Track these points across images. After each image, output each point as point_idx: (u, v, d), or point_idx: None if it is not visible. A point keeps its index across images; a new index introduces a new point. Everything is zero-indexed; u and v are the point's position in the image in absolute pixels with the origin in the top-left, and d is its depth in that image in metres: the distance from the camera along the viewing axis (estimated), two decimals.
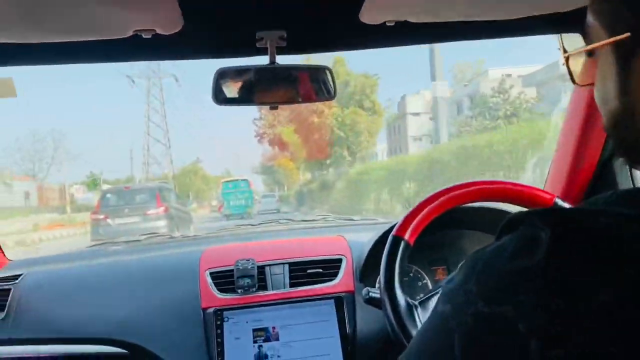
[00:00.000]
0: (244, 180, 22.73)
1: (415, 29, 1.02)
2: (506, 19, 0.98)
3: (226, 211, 20.62)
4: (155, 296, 1.31)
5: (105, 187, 20.97)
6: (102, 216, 10.71)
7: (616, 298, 0.35)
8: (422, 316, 0.98)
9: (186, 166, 38.71)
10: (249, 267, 1.26)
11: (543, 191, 1.10)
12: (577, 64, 0.54)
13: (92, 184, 30.77)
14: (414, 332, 0.95)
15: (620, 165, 1.28)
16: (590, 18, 0.49)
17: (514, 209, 1.27)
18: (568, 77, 0.56)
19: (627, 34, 0.43)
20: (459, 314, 0.40)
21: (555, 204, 1.08)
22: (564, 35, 1.06)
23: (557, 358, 0.35)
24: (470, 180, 1.10)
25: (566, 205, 1.08)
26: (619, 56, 0.45)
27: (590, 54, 0.51)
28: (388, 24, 1.01)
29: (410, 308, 0.98)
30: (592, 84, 0.52)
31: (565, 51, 0.55)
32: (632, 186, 1.28)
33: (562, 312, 0.35)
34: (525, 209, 0.45)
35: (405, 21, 1.00)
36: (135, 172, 33.43)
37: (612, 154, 1.28)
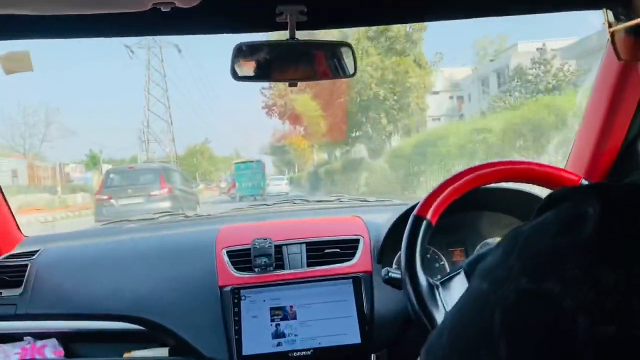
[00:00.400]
0: (256, 161, 22.05)
1: (444, 3, 0.99)
2: None
3: (238, 192, 20.16)
4: (172, 274, 1.30)
5: (106, 167, 20.35)
6: (105, 196, 10.54)
7: None
8: (443, 296, 0.97)
9: (192, 146, 37.27)
10: (266, 246, 1.26)
11: (569, 172, 1.08)
12: (623, 39, 0.52)
13: (92, 162, 29.57)
14: (435, 312, 0.94)
15: None
16: None
17: (533, 190, 1.25)
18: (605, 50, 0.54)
19: None
20: (500, 290, 0.39)
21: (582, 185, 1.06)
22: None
23: (607, 335, 0.33)
24: (493, 160, 1.08)
25: None
26: None
27: (636, 29, 0.49)
28: None
29: (431, 288, 0.97)
30: (637, 60, 0.51)
31: (610, 26, 0.53)
32: None
33: (613, 288, 0.34)
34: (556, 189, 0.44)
35: None
36: (138, 152, 32.03)
37: (636, 136, 1.25)
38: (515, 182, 1.11)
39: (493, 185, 1.16)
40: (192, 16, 1.04)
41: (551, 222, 0.39)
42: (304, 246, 1.30)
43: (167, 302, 1.25)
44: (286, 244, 1.30)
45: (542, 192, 1.19)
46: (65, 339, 1.31)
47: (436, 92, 25.27)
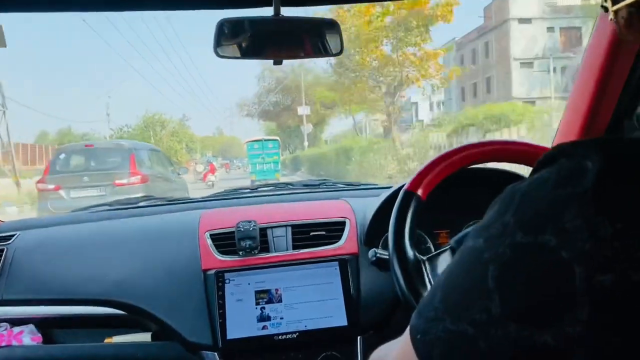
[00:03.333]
0: (273, 139, 19.12)
1: None
2: None
3: (252, 176, 17.51)
4: (154, 257, 1.28)
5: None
6: (51, 186, 7.83)
7: None
8: (430, 272, 0.96)
9: (149, 116, 29.53)
10: (251, 228, 1.23)
11: None
12: (626, 18, 0.51)
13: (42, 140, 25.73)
14: (420, 288, 0.93)
15: (630, 129, 1.26)
16: None
17: (523, 170, 1.24)
18: None
19: None
20: (494, 245, 0.39)
21: None
22: None
23: (605, 284, 0.33)
24: (489, 139, 1.07)
25: None
26: None
27: (636, 7, 0.49)
28: None
29: (418, 263, 0.96)
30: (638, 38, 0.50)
31: (613, 4, 0.52)
32: None
33: (612, 237, 0.34)
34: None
35: None
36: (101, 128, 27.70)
37: (624, 115, 1.25)
38: (508, 162, 1.10)
39: (482, 166, 1.15)
40: None
41: (549, 177, 0.39)
42: (289, 229, 1.28)
43: (150, 287, 1.22)
44: (271, 227, 1.28)
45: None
46: (43, 324, 1.28)
47: (526, 21, 19.19)
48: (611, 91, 1.19)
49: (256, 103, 31.53)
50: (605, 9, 0.53)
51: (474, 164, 1.06)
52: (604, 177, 0.36)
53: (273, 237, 1.26)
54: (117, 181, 7.80)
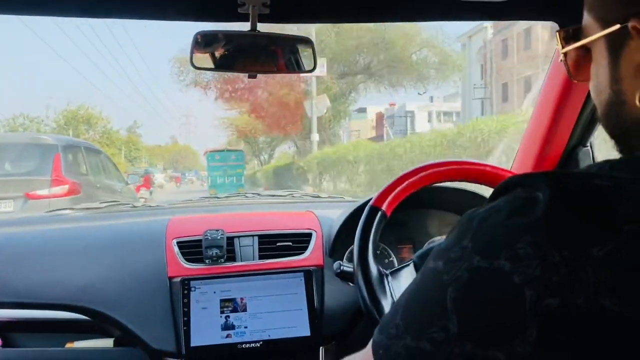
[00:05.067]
0: (237, 151, 17.83)
1: (402, 4, 1.01)
2: (491, 0, 0.99)
3: (211, 190, 15.46)
4: (119, 263, 1.27)
5: None
6: None
7: (613, 252, 0.36)
8: (392, 286, 1.00)
9: (73, 109, 23.65)
10: (218, 237, 1.25)
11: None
12: (573, 60, 0.56)
13: None
14: (383, 301, 0.97)
15: (583, 156, 1.33)
16: (585, 14, 0.51)
17: (481, 190, 1.30)
18: None
19: (617, 26, 0.46)
20: (453, 269, 0.41)
21: None
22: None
23: (552, 307, 0.36)
24: (451, 159, 1.12)
25: None
26: (610, 48, 0.48)
27: (585, 49, 0.53)
28: None
29: (381, 277, 1.00)
30: (586, 79, 0.54)
31: (562, 47, 0.56)
32: None
33: (559, 264, 0.37)
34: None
35: None
36: None
37: (577, 144, 1.32)
38: (469, 182, 1.15)
39: (443, 185, 1.21)
40: (151, 1, 1.02)
41: (504, 206, 0.42)
42: (256, 239, 1.30)
43: (114, 292, 1.22)
44: (238, 236, 1.29)
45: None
46: (3, 328, 1.26)
47: None
48: (566, 120, 1.26)
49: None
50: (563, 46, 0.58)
51: (437, 183, 1.11)
52: (553, 208, 0.39)
53: (240, 247, 1.28)
54: (32, 192, 5.41)
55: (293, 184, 16.15)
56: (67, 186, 5.53)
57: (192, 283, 1.20)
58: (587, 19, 0.51)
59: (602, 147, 1.33)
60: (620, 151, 0.53)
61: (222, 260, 1.24)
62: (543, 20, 1.13)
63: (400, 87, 20.16)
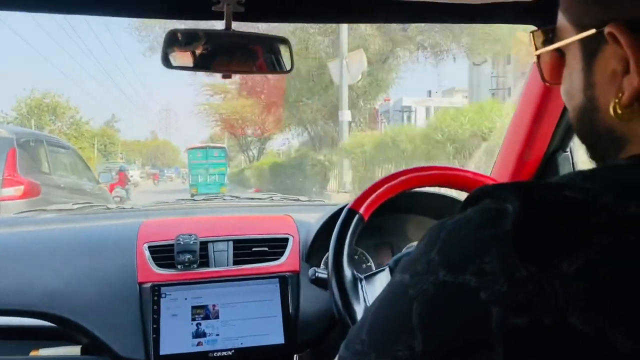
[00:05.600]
0: (220, 147, 16.48)
1: (379, 5, 0.99)
2: (470, 3, 0.97)
3: (192, 189, 14.58)
4: (88, 268, 1.23)
5: None
6: None
7: (585, 267, 0.35)
8: (367, 290, 0.98)
9: (38, 98, 20.76)
10: (191, 242, 1.21)
11: (496, 181, 1.12)
12: (547, 62, 0.55)
13: None
14: (356, 306, 0.95)
15: (563, 161, 1.32)
16: (560, 16, 0.50)
17: (460, 196, 1.28)
18: None
19: (593, 31, 0.45)
20: (419, 282, 0.40)
21: None
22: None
23: (518, 325, 0.35)
24: (431, 164, 1.10)
25: None
26: (584, 52, 0.47)
27: (559, 52, 0.52)
28: None
29: (355, 281, 0.98)
30: (559, 83, 0.53)
31: (536, 49, 0.55)
32: None
33: (526, 280, 0.35)
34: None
35: None
36: None
37: (557, 149, 1.31)
38: (448, 188, 1.13)
39: (423, 189, 1.19)
40: None
41: (473, 217, 0.40)
42: (230, 243, 1.27)
43: (81, 298, 1.18)
44: (212, 241, 1.26)
45: None
46: None
47: None
48: (546, 125, 1.25)
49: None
50: (536, 48, 0.56)
51: (415, 188, 1.09)
52: (521, 221, 0.37)
53: (214, 252, 1.25)
54: None
55: (304, 185, 13.45)
56: (22, 187, 4.67)
57: (163, 289, 1.17)
58: (561, 21, 0.50)
59: (581, 151, 1.32)
60: (592, 157, 0.52)
61: (195, 265, 1.20)
62: (523, 24, 1.11)
63: (448, 55, 14.37)
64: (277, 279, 1.21)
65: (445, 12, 1.06)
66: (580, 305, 0.34)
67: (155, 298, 1.15)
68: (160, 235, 1.26)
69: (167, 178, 28.65)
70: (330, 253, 0.99)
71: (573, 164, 1.33)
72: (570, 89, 0.50)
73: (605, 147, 0.48)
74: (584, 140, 0.52)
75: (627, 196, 0.37)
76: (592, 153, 0.51)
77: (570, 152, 1.34)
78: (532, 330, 0.34)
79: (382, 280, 1.02)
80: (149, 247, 1.24)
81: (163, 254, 1.22)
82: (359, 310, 0.94)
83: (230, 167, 21.39)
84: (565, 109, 1.22)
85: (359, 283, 0.99)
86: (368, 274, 1.03)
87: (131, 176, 17.40)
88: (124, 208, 1.73)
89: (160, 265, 1.21)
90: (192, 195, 11.09)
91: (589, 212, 0.37)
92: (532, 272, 0.35)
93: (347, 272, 0.98)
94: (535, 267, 0.35)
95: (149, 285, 1.17)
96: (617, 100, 0.44)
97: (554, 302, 0.34)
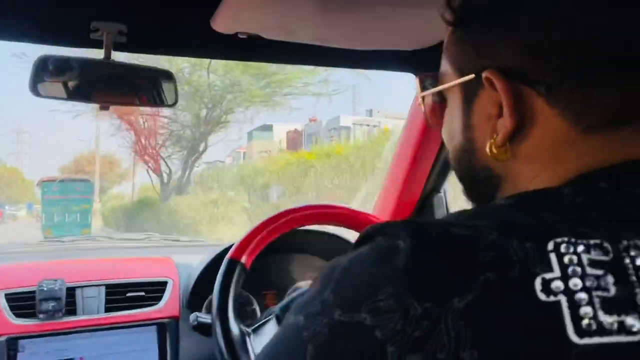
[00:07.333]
0: (83, 180, 13.69)
1: (267, 46, 1.00)
2: (360, 49, 1.01)
3: (46, 230, 11.93)
4: None
5: None
6: None
7: (473, 302, 0.35)
8: (254, 344, 0.94)
9: None
10: (56, 288, 1.09)
11: (377, 217, 1.15)
12: (430, 105, 0.58)
13: None
14: (244, 359, 0.90)
15: (437, 201, 1.41)
16: (443, 62, 0.53)
17: (345, 234, 1.31)
18: None
19: (472, 76, 0.48)
20: (314, 324, 0.38)
21: None
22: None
23: None
24: (310, 204, 1.11)
25: None
26: (464, 96, 0.50)
27: (442, 96, 0.55)
28: (240, 35, 0.98)
29: (243, 336, 0.94)
30: (440, 125, 0.56)
31: (422, 91, 0.58)
32: None
33: (420, 317, 0.35)
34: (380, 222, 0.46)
35: (258, 36, 0.98)
36: None
37: (432, 189, 1.40)
38: (329, 225, 1.14)
39: (305, 228, 1.19)
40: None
41: (366, 255, 0.40)
42: (102, 289, 1.16)
43: None
44: (81, 286, 1.15)
45: (354, 236, 1.25)
46: None
47: None
48: (423, 167, 1.32)
49: None
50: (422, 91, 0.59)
51: (296, 228, 1.09)
52: (414, 258, 0.37)
53: (83, 298, 1.14)
54: None
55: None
56: None
57: (22, 342, 1.03)
58: (444, 66, 0.53)
59: (453, 193, 1.42)
60: (468, 195, 0.54)
61: (60, 314, 1.08)
62: (403, 71, 1.19)
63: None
64: (155, 326, 1.13)
65: (334, 56, 1.09)
66: (470, 341, 0.34)
67: (12, 352, 1.01)
68: (19, 282, 1.13)
69: (9, 217, 22.42)
70: (214, 306, 0.95)
71: (446, 204, 1.42)
72: (451, 130, 0.53)
73: (483, 186, 0.51)
74: (462, 179, 0.54)
75: (509, 233, 0.38)
76: (470, 193, 0.54)
77: (444, 193, 1.43)
78: None
79: (270, 331, 0.99)
80: (6, 294, 1.10)
81: (22, 302, 1.09)
82: None
83: (103, 202, 18.41)
84: (439, 152, 1.30)
85: (247, 337, 0.95)
86: (255, 326, 1.00)
87: None
88: None
89: (18, 315, 1.07)
90: (46, 238, 9.46)
91: (476, 249, 0.38)
92: (426, 309, 0.35)
93: (234, 326, 0.94)
94: (429, 303, 0.35)
95: (4, 338, 1.03)
96: (492, 141, 0.47)
97: (447, 338, 0.34)
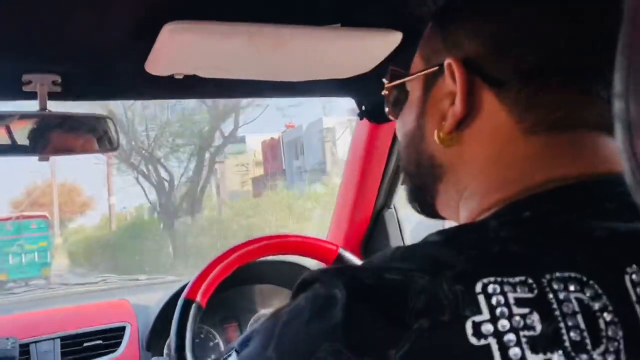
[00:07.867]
0: (40, 218, 12.26)
1: (205, 83, 1.01)
2: (296, 81, 1.03)
3: (1, 274, 10.61)
4: None
5: None
6: None
7: (409, 352, 0.36)
8: None
9: None
10: (9, 346, 1.06)
11: (327, 242, 1.16)
12: (394, 97, 0.58)
13: None
14: None
15: (389, 216, 1.44)
16: (416, 57, 0.55)
17: (303, 261, 1.32)
18: None
19: (437, 67, 0.49)
20: None
21: (340, 254, 1.14)
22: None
23: None
24: (257, 236, 1.11)
25: (349, 254, 1.15)
26: (425, 84, 0.52)
27: (405, 90, 0.56)
28: (176, 76, 0.98)
29: None
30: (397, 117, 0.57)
31: (388, 82, 0.58)
32: (400, 235, 1.44)
33: None
34: (318, 266, 0.47)
35: (195, 75, 0.99)
36: None
37: (383, 205, 1.43)
38: (284, 255, 1.15)
39: (261, 259, 1.19)
40: None
41: (305, 306, 0.40)
42: (57, 342, 1.13)
43: None
44: (35, 342, 1.11)
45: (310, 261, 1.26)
46: None
47: None
48: (371, 185, 1.35)
49: None
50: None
51: (248, 262, 1.09)
52: (350, 309, 0.37)
53: (37, 353, 1.10)
54: None
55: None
56: None
57: None
58: (415, 60, 0.54)
59: (403, 210, 1.46)
60: (410, 197, 0.56)
61: None
62: (341, 97, 1.22)
63: None
64: None
65: (274, 88, 1.11)
66: None
67: None
68: None
69: None
70: (172, 350, 0.94)
71: (398, 219, 1.46)
72: (406, 118, 0.54)
73: (425, 176, 0.53)
74: (407, 168, 0.56)
75: (439, 275, 0.38)
76: (412, 188, 0.56)
77: (394, 208, 1.46)
78: None
79: None
80: None
81: None
82: None
83: (64, 236, 16.36)
84: (386, 169, 1.34)
85: None
86: None
87: None
88: None
89: None
90: (1, 282, 9.50)
91: (408, 296, 0.38)
92: None
93: None
94: (368, 357, 0.35)
95: None
96: (441, 125, 0.48)
97: None
